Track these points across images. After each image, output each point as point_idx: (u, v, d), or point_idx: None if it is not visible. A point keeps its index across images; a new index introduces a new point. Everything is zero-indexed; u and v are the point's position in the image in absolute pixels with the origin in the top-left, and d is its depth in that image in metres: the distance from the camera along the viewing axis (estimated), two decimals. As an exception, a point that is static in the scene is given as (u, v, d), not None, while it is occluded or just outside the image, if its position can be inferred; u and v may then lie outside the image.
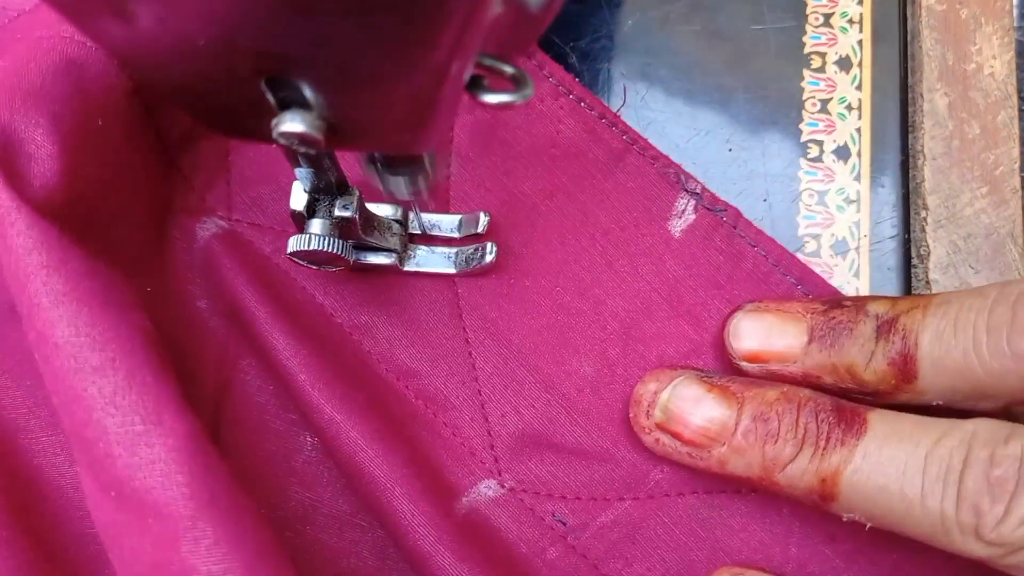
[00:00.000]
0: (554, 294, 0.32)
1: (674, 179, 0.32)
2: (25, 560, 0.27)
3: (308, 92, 0.19)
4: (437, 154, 0.26)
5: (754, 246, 0.31)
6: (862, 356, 0.27)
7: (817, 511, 0.28)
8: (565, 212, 0.32)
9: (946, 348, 0.25)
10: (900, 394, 0.27)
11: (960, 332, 0.25)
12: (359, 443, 0.29)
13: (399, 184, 0.25)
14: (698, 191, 0.32)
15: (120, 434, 0.23)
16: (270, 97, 0.20)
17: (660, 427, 0.29)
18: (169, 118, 0.32)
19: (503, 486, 0.31)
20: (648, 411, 0.29)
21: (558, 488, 0.31)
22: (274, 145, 0.23)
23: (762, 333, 0.29)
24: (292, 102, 0.20)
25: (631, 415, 0.30)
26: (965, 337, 0.25)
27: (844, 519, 0.26)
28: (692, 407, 0.28)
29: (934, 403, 0.27)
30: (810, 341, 0.28)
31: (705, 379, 0.29)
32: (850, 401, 0.27)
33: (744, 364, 0.29)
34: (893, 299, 0.28)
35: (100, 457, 0.23)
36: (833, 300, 0.28)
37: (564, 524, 0.30)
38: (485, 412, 0.31)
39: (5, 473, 0.29)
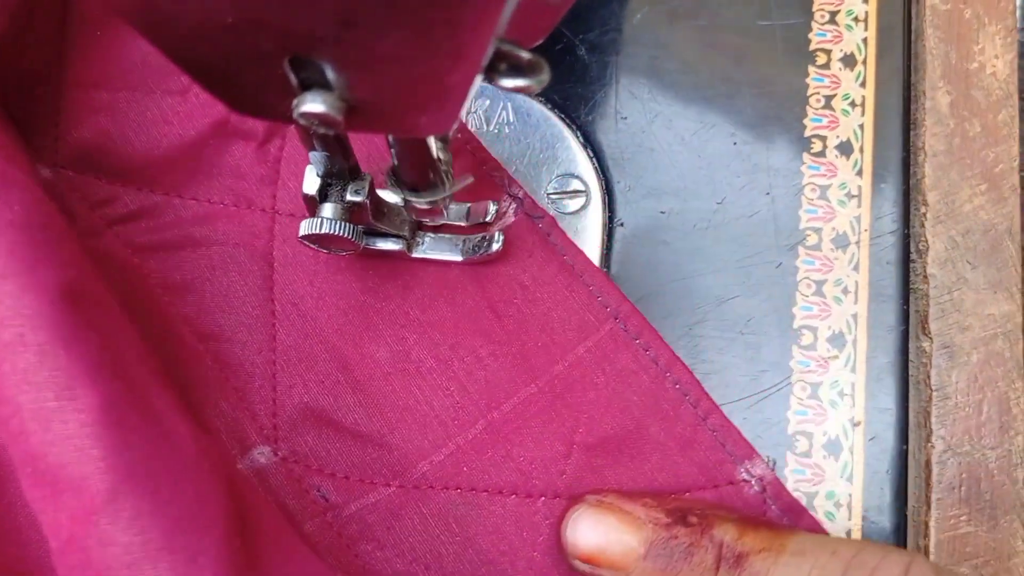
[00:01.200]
0: (366, 277, 0.32)
1: (499, 182, 0.33)
2: None
3: (330, 73, 0.20)
4: (457, 178, 0.29)
5: (563, 255, 0.32)
6: None
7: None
8: None
9: None
10: None
11: None
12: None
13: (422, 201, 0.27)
14: (520, 195, 0.33)
15: (34, 411, 0.23)
16: (292, 77, 0.20)
17: None
18: (10, 66, 0.31)
19: (276, 454, 0.31)
20: None
21: (328, 464, 0.31)
22: (293, 125, 0.23)
23: (600, 534, 0.28)
24: (313, 83, 0.20)
25: None
26: None
27: None
28: None
29: None
30: (645, 556, 0.27)
31: None
32: None
33: (578, 563, 0.28)
34: (741, 526, 0.27)
35: (16, 433, 0.23)
36: (679, 511, 0.28)
37: (326, 500, 0.31)
38: (275, 382, 0.32)
39: None
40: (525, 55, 0.21)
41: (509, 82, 0.21)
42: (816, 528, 0.29)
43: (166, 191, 0.33)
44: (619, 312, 0.32)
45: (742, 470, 0.30)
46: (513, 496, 0.30)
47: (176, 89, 0.33)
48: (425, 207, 0.29)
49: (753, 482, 0.30)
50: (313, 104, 0.20)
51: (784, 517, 0.29)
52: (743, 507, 0.30)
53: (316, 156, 0.27)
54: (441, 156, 0.28)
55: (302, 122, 0.21)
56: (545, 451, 0.31)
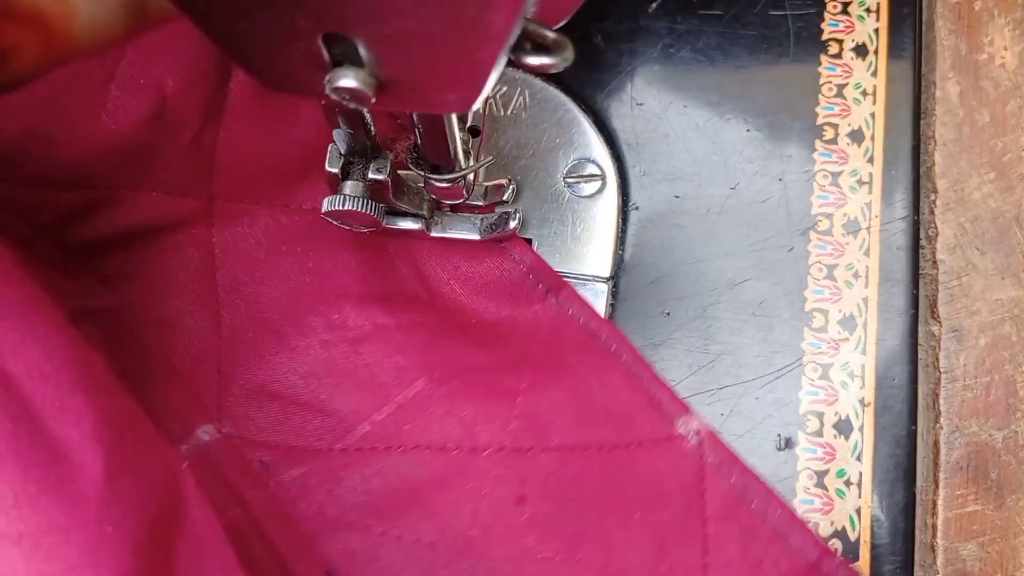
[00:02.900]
0: (305, 259, 0.33)
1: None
2: None
3: (362, 50, 0.20)
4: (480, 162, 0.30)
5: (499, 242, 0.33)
6: None
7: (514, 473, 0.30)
8: (319, 187, 0.33)
9: None
10: None
11: None
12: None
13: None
14: None
15: None
16: (325, 53, 0.20)
17: None
18: None
19: (219, 431, 0.32)
20: None
21: (272, 435, 0.32)
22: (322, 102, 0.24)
23: None
24: (345, 59, 0.21)
25: None
26: None
27: None
28: None
29: None
30: None
31: None
32: None
33: None
34: None
35: None
36: None
37: (268, 469, 0.31)
38: (220, 366, 0.32)
39: None
40: (550, 34, 0.22)
41: (535, 60, 0.22)
42: (750, 479, 0.30)
43: (97, 185, 0.32)
44: (551, 287, 0.33)
45: (679, 424, 0.31)
46: (457, 451, 0.31)
47: (101, 78, 0.32)
48: (445, 186, 0.29)
49: (690, 436, 0.31)
50: (345, 79, 0.21)
51: (721, 466, 0.30)
52: (681, 460, 0.30)
53: (339, 134, 0.28)
54: (461, 136, 0.28)
55: (334, 97, 0.21)
56: (489, 405, 0.31)
